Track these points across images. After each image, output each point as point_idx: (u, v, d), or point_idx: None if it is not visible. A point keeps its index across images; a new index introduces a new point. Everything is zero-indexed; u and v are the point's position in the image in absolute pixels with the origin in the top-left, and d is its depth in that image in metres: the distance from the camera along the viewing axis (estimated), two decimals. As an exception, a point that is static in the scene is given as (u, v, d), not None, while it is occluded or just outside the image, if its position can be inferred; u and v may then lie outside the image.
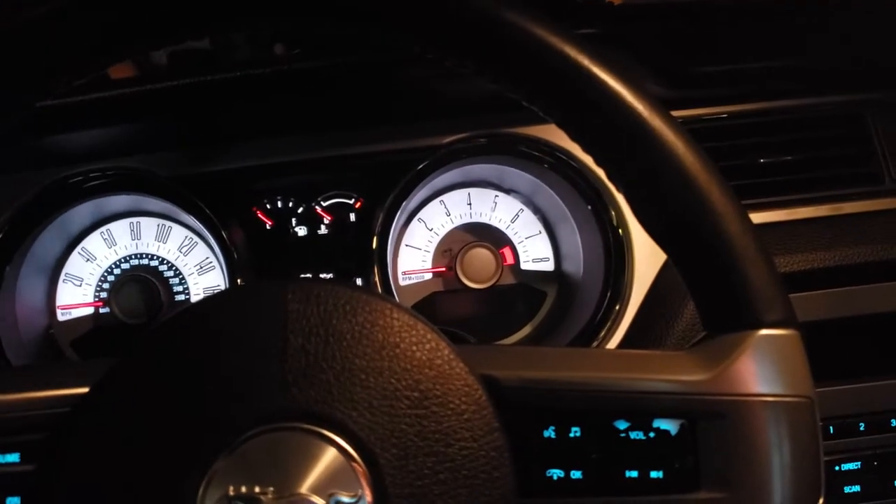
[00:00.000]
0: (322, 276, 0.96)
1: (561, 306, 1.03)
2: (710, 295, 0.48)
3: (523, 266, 1.06)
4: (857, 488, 0.86)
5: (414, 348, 0.45)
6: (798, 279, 0.88)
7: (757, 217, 0.91)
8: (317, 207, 0.97)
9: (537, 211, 1.06)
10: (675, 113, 0.90)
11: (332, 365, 0.44)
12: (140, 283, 0.97)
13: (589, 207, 0.95)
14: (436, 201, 1.05)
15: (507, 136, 0.95)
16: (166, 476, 0.43)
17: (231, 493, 0.42)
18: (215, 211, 0.93)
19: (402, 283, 1.03)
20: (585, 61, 0.46)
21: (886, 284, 0.90)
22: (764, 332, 0.46)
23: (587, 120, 0.48)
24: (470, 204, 1.06)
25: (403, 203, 0.94)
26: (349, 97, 0.92)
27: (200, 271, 1.01)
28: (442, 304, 1.03)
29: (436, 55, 0.48)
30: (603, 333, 0.91)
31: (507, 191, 1.06)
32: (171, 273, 1.01)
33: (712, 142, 0.93)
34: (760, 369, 0.45)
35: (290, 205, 0.97)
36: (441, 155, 0.94)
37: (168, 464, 0.43)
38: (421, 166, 0.93)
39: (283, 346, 0.44)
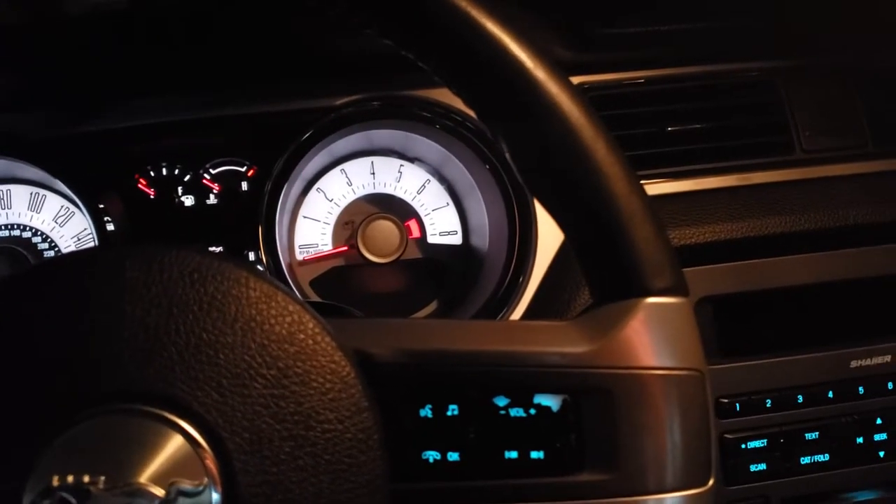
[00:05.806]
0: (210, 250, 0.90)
1: (467, 280, 0.99)
2: (595, 261, 0.44)
3: (430, 240, 1.01)
4: (762, 466, 0.85)
5: (273, 321, 0.40)
6: (704, 251, 0.86)
7: (664, 187, 0.90)
8: (205, 175, 0.91)
9: (444, 182, 1.02)
10: (583, 78, 0.91)
11: (175, 340, 0.39)
12: (10, 257, 0.91)
13: (488, 169, 0.91)
14: (336, 170, 0.99)
15: (404, 98, 0.90)
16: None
17: (55, 483, 0.37)
18: (91, 178, 0.86)
19: (298, 257, 0.98)
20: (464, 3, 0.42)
21: (795, 257, 0.89)
22: (651, 300, 0.43)
23: (465, 68, 0.43)
24: (373, 174, 1.01)
25: (296, 170, 0.88)
26: (237, 50, 0.86)
27: (78, 244, 0.94)
28: (343, 279, 0.98)
29: (316, 5, 0.43)
30: (506, 307, 0.88)
31: (413, 160, 1.01)
32: (45, 245, 0.94)
33: (620, 109, 0.91)
34: (647, 340, 0.42)
35: (176, 172, 0.90)
36: (333, 118, 0.88)
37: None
38: (311, 131, 0.87)
39: (120, 318, 0.39)
